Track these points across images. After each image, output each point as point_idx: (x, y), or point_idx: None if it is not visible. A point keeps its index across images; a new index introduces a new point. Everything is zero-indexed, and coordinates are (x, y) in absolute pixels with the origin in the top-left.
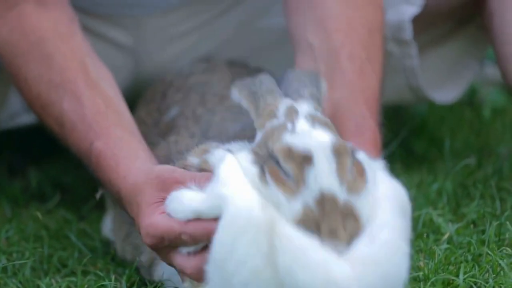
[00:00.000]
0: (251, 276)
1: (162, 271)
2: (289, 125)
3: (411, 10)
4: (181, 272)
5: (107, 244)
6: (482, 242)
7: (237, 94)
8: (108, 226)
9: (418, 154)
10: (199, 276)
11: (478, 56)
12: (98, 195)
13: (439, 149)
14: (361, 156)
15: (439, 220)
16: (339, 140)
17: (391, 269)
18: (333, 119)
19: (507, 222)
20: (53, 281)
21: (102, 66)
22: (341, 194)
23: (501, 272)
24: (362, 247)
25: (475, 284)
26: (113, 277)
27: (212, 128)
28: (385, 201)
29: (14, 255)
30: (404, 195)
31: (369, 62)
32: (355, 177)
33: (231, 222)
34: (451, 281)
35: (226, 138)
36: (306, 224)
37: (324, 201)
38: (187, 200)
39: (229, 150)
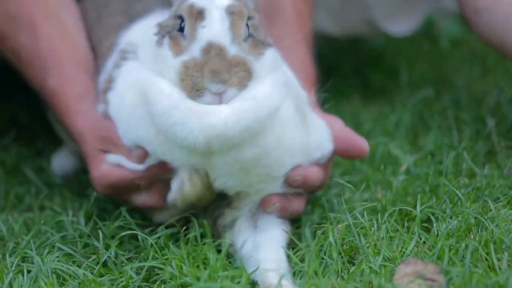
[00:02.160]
0: (129, 110)
1: None
2: None
3: None
4: (143, 207)
5: (64, 179)
6: (440, 173)
7: None
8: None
9: (375, 87)
10: (162, 204)
11: None
12: None
13: (397, 82)
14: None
15: (397, 152)
16: (238, 5)
17: (267, 104)
18: None
19: (464, 153)
20: (9, 217)
21: None
22: (231, 47)
23: (458, 202)
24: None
25: (432, 215)
26: (70, 212)
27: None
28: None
29: None
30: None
31: (305, 4)
32: (253, 44)
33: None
34: (408, 212)
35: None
36: (188, 73)
37: (211, 48)
38: None
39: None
